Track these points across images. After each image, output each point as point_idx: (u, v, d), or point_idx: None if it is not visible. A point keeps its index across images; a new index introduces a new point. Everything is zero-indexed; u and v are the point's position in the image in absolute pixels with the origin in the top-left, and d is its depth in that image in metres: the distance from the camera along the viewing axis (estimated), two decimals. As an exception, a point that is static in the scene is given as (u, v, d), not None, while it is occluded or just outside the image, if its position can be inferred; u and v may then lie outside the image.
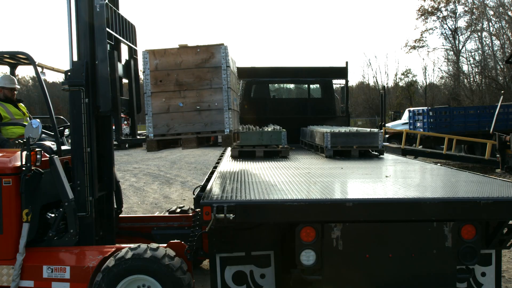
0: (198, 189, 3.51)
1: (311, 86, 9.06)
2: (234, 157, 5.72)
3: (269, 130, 5.95)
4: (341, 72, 8.66)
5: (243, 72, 8.76)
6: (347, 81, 8.73)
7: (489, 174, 7.39)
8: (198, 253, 5.29)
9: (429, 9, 38.17)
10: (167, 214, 5.46)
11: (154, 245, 3.64)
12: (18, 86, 4.78)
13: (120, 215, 5.13)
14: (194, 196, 3.32)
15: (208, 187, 3.44)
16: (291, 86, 10.91)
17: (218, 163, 5.34)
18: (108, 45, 4.28)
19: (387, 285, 2.96)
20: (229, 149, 6.23)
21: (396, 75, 54.46)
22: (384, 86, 31.07)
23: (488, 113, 16.21)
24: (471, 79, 36.28)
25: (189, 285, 3.56)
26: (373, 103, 40.87)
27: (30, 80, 44.54)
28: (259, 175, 4.05)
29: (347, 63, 8.63)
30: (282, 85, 10.70)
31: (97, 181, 4.22)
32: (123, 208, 5.27)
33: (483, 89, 33.27)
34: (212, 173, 4.38)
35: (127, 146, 22.97)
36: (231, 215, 2.78)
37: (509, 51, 27.38)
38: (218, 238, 3.23)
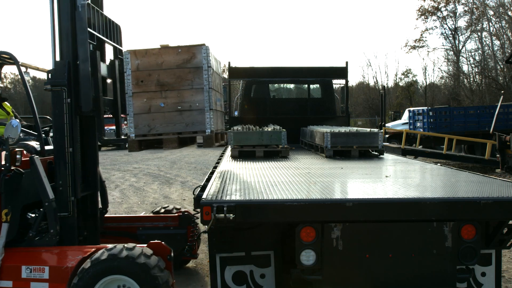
0: (198, 189, 3.52)
1: (311, 86, 9.05)
2: (234, 157, 5.72)
3: (269, 130, 5.95)
4: (341, 72, 8.65)
5: (243, 72, 8.76)
6: (347, 81, 8.72)
7: (489, 174, 7.39)
8: (183, 253, 5.32)
9: (429, 9, 38.20)
10: (153, 215, 5.45)
11: (130, 245, 3.63)
12: (1, 85, 4.77)
13: (105, 215, 5.13)
14: (194, 196, 3.31)
15: (208, 187, 3.44)
16: (291, 86, 10.90)
17: (218, 163, 5.34)
18: (91, 45, 4.28)
19: (387, 285, 2.96)
20: (229, 149, 6.23)
21: (396, 75, 54.58)
22: (384, 86, 31.06)
23: (488, 113, 16.21)
24: (471, 79, 36.29)
25: (167, 283, 3.55)
26: (373, 103, 40.89)
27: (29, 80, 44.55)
28: (259, 175, 4.05)
29: (347, 63, 8.63)
30: (282, 85, 10.70)
31: (80, 181, 4.23)
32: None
33: (483, 89, 33.28)
34: (212, 173, 4.38)
35: (126, 146, 22.95)
36: (231, 215, 2.77)
37: (509, 51, 27.38)
38: (218, 238, 3.22)
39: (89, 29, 4.14)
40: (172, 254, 3.72)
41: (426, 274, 2.94)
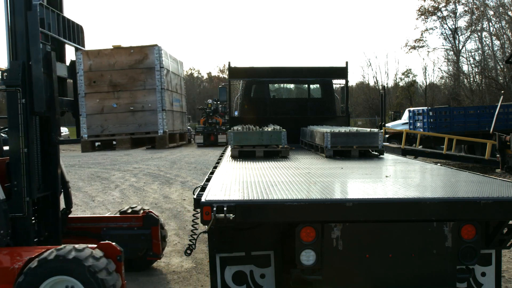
0: (198, 189, 3.52)
1: (311, 86, 9.05)
2: (234, 157, 5.72)
3: (269, 130, 5.94)
4: (341, 72, 8.64)
5: (243, 72, 8.75)
6: (347, 81, 8.71)
7: (489, 174, 7.39)
8: (148, 254, 5.36)
9: (429, 9, 38.21)
10: (118, 215, 5.45)
11: (80, 246, 3.60)
12: None
13: (70, 216, 5.13)
14: (194, 197, 3.31)
15: (208, 187, 3.44)
16: (291, 86, 10.90)
17: (218, 163, 5.34)
18: (48, 46, 4.30)
19: (387, 285, 2.96)
20: (229, 149, 6.23)
21: (396, 75, 54.63)
22: (384, 86, 31.04)
23: (488, 113, 16.22)
24: (471, 79, 36.32)
25: (115, 286, 3.54)
26: (373, 103, 40.92)
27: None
28: (259, 175, 4.05)
29: (347, 63, 8.63)
30: (282, 85, 10.69)
31: (36, 182, 4.25)
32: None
33: (483, 89, 33.30)
34: (212, 173, 4.38)
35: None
36: (231, 215, 2.77)
37: (509, 51, 27.38)
38: (218, 238, 3.22)
39: (43, 29, 4.16)
40: (123, 254, 3.70)
41: (426, 274, 2.94)
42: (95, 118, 4.02)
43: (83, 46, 5.00)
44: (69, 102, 4.86)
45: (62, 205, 5.00)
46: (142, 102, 4.00)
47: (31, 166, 4.14)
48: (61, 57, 4.82)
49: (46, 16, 4.27)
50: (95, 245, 3.69)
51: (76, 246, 3.60)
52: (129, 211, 5.43)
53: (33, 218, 4.42)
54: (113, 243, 3.72)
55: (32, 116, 4.18)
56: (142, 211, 5.40)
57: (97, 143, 4.33)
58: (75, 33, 4.84)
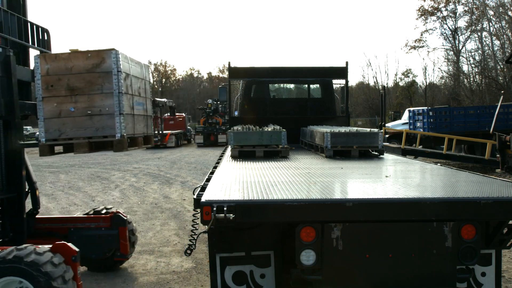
0: (198, 189, 3.52)
1: (311, 86, 9.05)
2: (234, 157, 5.72)
3: (269, 130, 5.95)
4: (341, 72, 8.65)
5: (243, 72, 8.76)
6: (347, 81, 8.72)
7: (489, 174, 7.39)
8: (115, 254, 5.38)
9: (429, 9, 38.22)
10: (85, 215, 5.45)
11: (42, 249, 3.57)
12: None
13: (37, 216, 5.15)
14: (194, 197, 3.31)
15: (208, 187, 3.44)
16: (291, 86, 10.89)
17: (218, 163, 5.34)
18: (9, 49, 4.30)
19: (387, 285, 2.96)
20: (229, 149, 6.23)
21: (396, 75, 54.67)
22: (384, 86, 31.05)
23: (488, 113, 16.22)
24: (471, 79, 36.33)
25: None
26: (373, 103, 40.95)
27: None
28: (259, 175, 4.05)
29: (347, 63, 8.63)
30: (282, 85, 10.69)
31: None
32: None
33: (483, 89, 33.31)
34: (212, 173, 4.38)
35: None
36: (231, 215, 2.77)
37: (509, 51, 27.38)
38: (218, 238, 3.22)
39: (0, 33, 4.16)
40: (78, 255, 3.69)
41: (426, 274, 2.94)
42: (53, 122, 4.10)
43: (49, 49, 4.97)
44: (31, 105, 4.86)
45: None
46: (99, 106, 4.05)
47: None
48: (25, 61, 4.81)
49: (5, 19, 4.28)
50: (50, 246, 3.67)
51: (36, 248, 3.56)
52: (104, 211, 5.44)
53: None
54: (68, 244, 3.69)
55: None
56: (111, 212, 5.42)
57: (57, 148, 4.35)
58: (39, 37, 4.84)
